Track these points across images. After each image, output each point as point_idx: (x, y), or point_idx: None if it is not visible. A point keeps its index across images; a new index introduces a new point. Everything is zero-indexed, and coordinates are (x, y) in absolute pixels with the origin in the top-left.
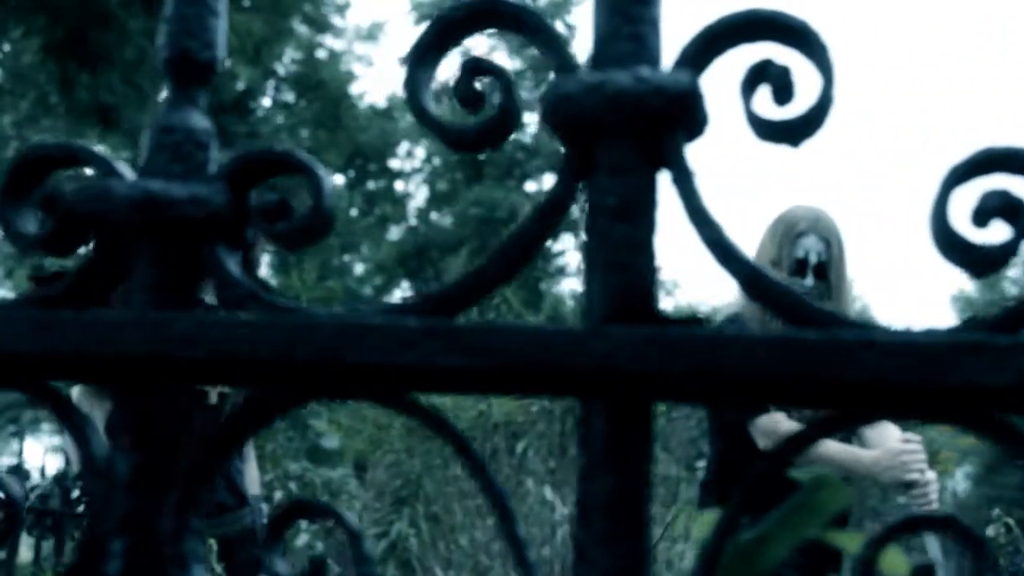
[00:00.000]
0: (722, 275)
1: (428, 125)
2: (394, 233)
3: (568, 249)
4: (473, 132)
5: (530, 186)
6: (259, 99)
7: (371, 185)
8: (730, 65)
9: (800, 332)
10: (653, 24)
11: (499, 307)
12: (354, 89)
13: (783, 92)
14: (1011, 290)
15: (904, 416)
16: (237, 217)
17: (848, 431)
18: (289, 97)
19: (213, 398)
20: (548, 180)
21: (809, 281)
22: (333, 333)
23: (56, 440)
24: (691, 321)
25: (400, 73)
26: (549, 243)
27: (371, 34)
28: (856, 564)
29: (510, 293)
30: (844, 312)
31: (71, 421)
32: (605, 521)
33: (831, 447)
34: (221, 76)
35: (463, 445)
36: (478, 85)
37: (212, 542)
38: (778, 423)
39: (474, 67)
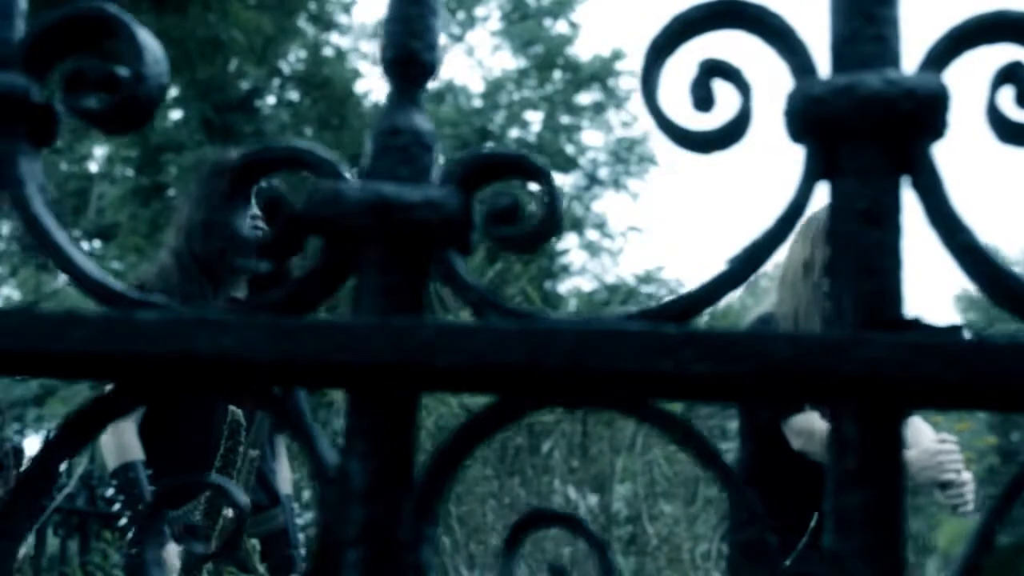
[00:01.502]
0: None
1: (664, 126)
2: None
3: (572, 248)
4: (712, 136)
5: (533, 184)
6: (264, 97)
7: None
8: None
9: None
10: (894, 25)
11: (520, 304)
12: (359, 87)
13: None
14: None
15: None
16: (466, 220)
17: None
18: (294, 95)
19: None
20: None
21: None
22: (584, 339)
23: None
24: (949, 328)
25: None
26: (553, 241)
27: (377, 32)
28: None
29: (531, 289)
30: None
31: (298, 429)
32: (864, 533)
33: None
34: (227, 75)
35: (710, 452)
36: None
37: (255, 542)
38: (813, 422)
39: (712, 68)
